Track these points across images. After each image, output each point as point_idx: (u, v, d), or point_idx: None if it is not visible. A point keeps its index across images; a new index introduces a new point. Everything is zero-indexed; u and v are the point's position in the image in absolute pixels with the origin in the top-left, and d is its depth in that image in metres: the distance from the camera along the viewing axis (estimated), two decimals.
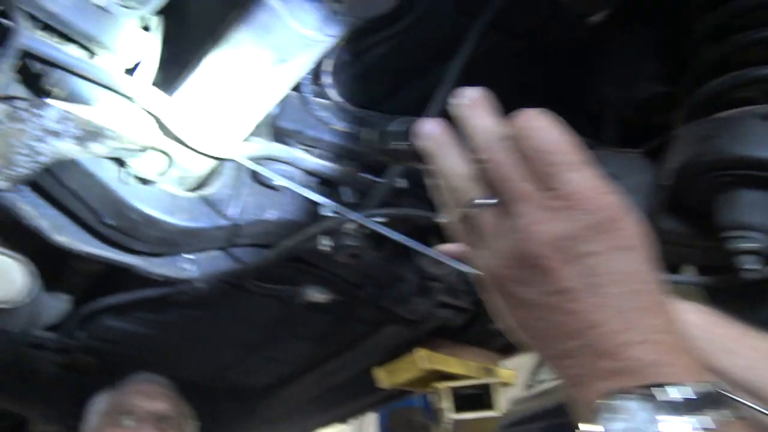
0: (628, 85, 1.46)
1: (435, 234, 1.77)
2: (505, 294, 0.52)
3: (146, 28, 1.40)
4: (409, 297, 1.81)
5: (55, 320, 2.02)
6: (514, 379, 2.14)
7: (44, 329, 2.03)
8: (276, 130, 1.55)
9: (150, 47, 1.39)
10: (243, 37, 1.15)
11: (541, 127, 0.51)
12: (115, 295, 1.83)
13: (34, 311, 1.87)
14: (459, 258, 0.73)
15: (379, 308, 1.95)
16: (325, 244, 1.59)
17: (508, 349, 2.21)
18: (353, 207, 1.57)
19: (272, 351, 2.29)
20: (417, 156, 0.57)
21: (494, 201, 0.52)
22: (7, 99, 1.17)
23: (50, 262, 1.72)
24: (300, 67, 1.24)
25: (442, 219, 0.56)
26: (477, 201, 0.52)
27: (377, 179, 1.57)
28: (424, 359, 1.93)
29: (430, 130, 0.56)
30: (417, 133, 0.57)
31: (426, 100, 1.57)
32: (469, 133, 0.54)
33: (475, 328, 2.02)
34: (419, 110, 1.60)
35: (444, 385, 1.98)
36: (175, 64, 1.48)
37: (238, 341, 2.23)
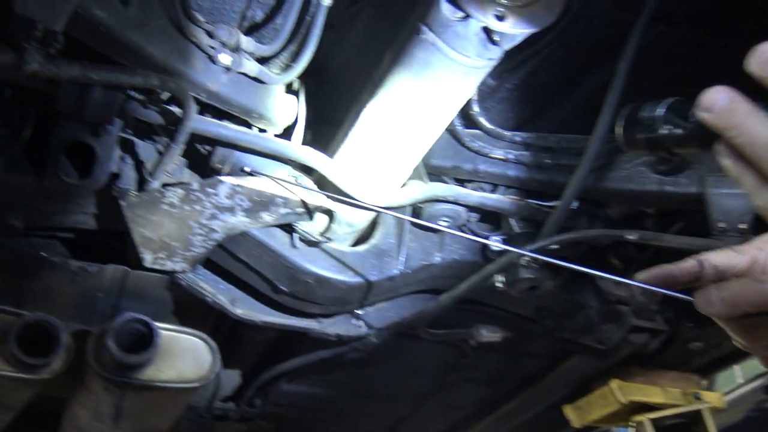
0: None
1: (614, 253, 1.61)
2: None
3: (291, 91, 1.41)
4: (595, 325, 1.65)
5: (231, 391, 2.05)
6: (723, 402, 1.89)
7: (223, 400, 2.07)
8: (430, 169, 1.49)
9: (298, 109, 1.39)
10: (401, 77, 1.09)
11: None
12: (289, 361, 1.82)
13: (217, 384, 1.91)
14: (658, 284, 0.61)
15: (558, 340, 1.81)
16: (499, 280, 1.49)
17: (707, 368, 1.98)
18: (525, 237, 1.46)
19: (445, 398, 2.20)
20: (703, 136, 0.46)
21: None
22: (182, 184, 1.19)
23: (226, 335, 1.75)
24: (461, 97, 1.17)
25: (756, 202, 0.45)
26: None
27: (546, 204, 1.45)
28: (619, 391, 1.75)
29: (721, 100, 0.45)
30: (703, 107, 0.46)
31: (581, 110, 1.45)
32: None
33: (671, 349, 1.82)
34: (578, 122, 1.49)
35: (645, 418, 1.78)
36: (321, 121, 1.48)
37: (410, 391, 2.16)
